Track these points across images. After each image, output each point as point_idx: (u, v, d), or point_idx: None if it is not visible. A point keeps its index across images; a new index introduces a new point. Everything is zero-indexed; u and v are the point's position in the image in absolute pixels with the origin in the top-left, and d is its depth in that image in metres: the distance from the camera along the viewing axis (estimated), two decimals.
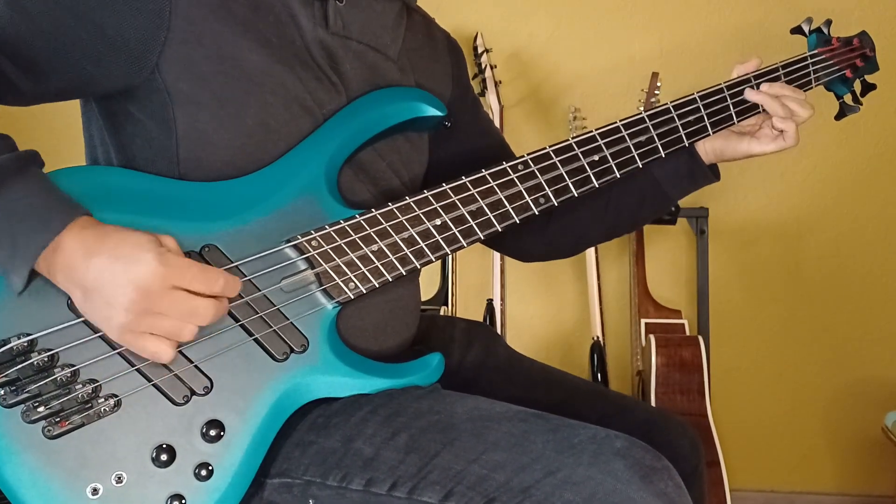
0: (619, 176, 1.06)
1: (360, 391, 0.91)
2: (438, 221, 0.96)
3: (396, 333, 1.01)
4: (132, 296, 0.75)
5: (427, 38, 1.13)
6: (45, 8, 0.82)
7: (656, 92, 2.03)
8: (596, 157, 1.05)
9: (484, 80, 2.11)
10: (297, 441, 0.89)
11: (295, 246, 0.90)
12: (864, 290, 2.19)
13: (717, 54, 2.16)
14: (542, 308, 2.30)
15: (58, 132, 1.99)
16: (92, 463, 0.79)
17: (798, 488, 2.25)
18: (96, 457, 0.80)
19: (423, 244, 0.95)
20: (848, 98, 1.26)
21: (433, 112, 1.01)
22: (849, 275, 2.19)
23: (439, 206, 0.97)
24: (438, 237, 0.96)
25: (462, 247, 0.98)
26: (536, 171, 1.02)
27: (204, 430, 0.83)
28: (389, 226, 0.94)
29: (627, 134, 1.07)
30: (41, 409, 0.78)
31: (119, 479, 0.80)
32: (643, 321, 2.09)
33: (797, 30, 1.26)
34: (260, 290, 0.87)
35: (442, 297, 2.12)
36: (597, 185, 1.05)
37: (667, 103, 1.10)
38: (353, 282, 0.92)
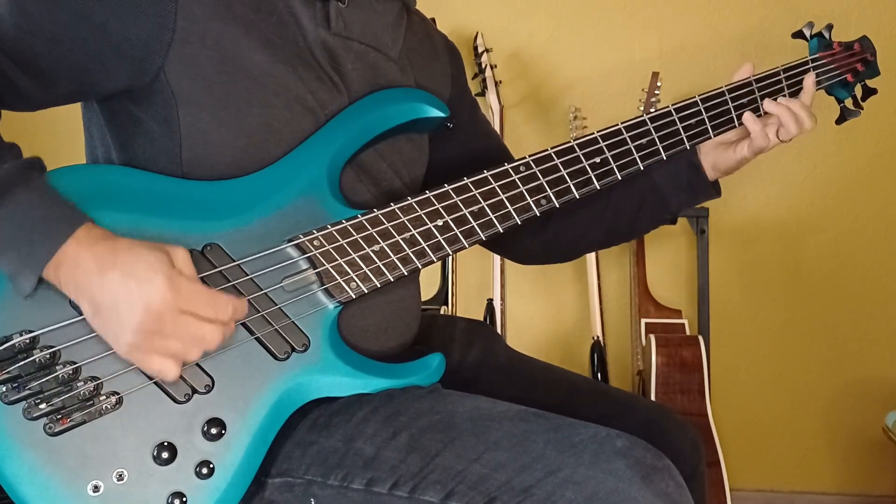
0: (620, 177, 1.06)
1: (361, 391, 0.91)
2: (440, 222, 0.97)
3: (397, 333, 1.01)
4: (141, 317, 0.76)
5: (426, 38, 1.14)
6: (48, 10, 0.82)
7: (656, 92, 2.03)
8: (597, 159, 1.05)
9: (484, 80, 2.11)
10: (298, 440, 0.89)
11: (297, 245, 0.90)
12: (864, 290, 2.19)
13: (717, 54, 2.16)
14: (542, 308, 2.30)
15: (58, 132, 1.99)
16: (93, 460, 0.79)
17: (798, 488, 2.25)
18: (97, 454, 0.80)
19: (424, 244, 0.96)
20: (849, 102, 1.26)
21: (435, 113, 1.02)
22: (849, 275, 2.19)
23: (441, 207, 0.97)
24: (440, 237, 0.96)
25: (463, 247, 0.98)
26: (538, 172, 1.02)
27: (205, 428, 0.83)
28: (391, 226, 0.94)
29: (629, 136, 1.07)
30: (43, 406, 0.79)
31: (120, 477, 0.80)
32: (643, 321, 2.09)
33: (798, 34, 1.26)
34: (262, 289, 0.88)
35: (442, 296, 2.13)
36: (598, 187, 1.05)
37: (668, 106, 1.10)
38: (355, 281, 0.92)
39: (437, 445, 0.84)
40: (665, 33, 2.18)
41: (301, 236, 0.90)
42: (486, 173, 1.00)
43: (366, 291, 0.93)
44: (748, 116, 1.11)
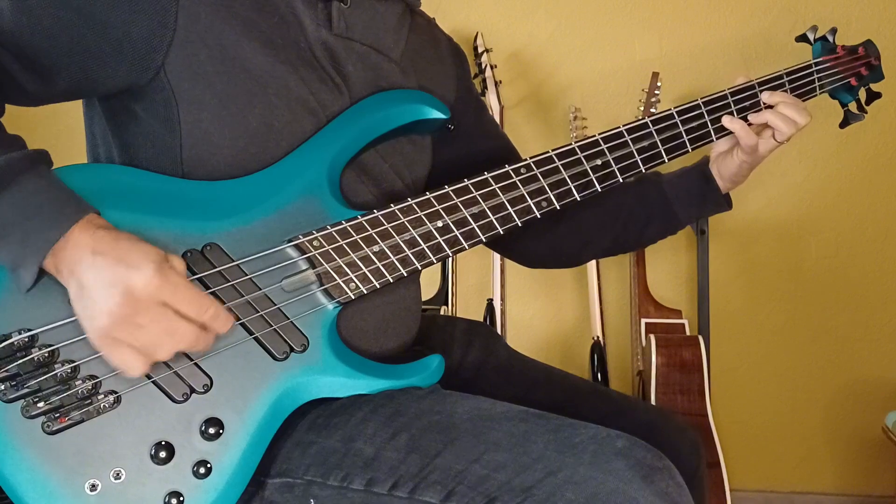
0: (621, 180, 1.06)
1: (360, 392, 0.91)
2: (440, 223, 0.96)
3: (397, 334, 1.01)
4: (118, 299, 0.75)
5: (430, 40, 1.13)
6: (49, 6, 0.82)
7: (656, 92, 2.03)
8: (599, 161, 1.05)
9: (484, 80, 2.11)
10: (298, 441, 0.89)
11: (296, 245, 0.90)
12: (864, 290, 2.19)
13: (717, 54, 2.16)
14: (542, 308, 2.29)
15: (58, 130, 1.99)
16: (91, 459, 0.80)
17: (798, 488, 2.25)
18: (95, 453, 0.80)
19: (424, 245, 0.95)
20: (853, 106, 1.25)
21: (436, 115, 1.01)
22: (849, 275, 2.19)
23: (441, 208, 0.97)
24: (440, 239, 0.96)
25: (463, 249, 0.98)
26: (539, 174, 1.02)
27: (203, 428, 0.83)
28: (391, 227, 0.94)
29: (631, 138, 1.07)
30: (41, 404, 0.79)
31: (117, 476, 0.80)
32: (643, 321, 2.09)
33: (802, 38, 1.25)
34: (261, 289, 0.87)
35: (442, 296, 2.12)
36: (599, 189, 1.05)
37: (670, 108, 1.10)
38: (354, 282, 0.92)
39: (437, 446, 0.84)
40: (665, 33, 2.18)
41: (301, 237, 0.90)
42: (486, 175, 1.00)
43: (365, 292, 0.93)
44: (726, 119, 1.11)
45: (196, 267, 0.85)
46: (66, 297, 0.80)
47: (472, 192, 0.98)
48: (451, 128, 1.10)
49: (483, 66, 2.11)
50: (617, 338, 2.24)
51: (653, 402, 1.92)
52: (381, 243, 0.93)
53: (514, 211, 1.00)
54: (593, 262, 2.16)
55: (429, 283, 2.12)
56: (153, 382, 0.82)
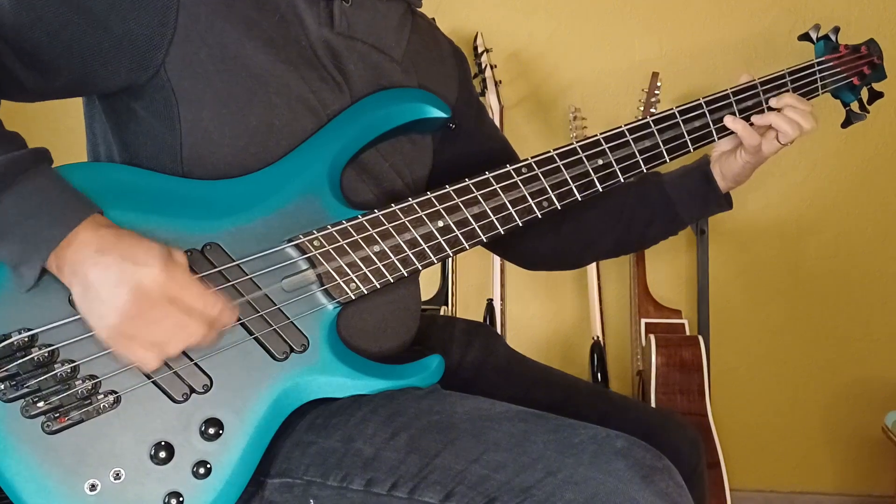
0: (623, 180, 1.06)
1: (360, 392, 0.91)
2: (441, 223, 0.96)
3: (396, 334, 1.01)
4: (128, 297, 0.76)
5: (432, 41, 1.13)
6: (49, 2, 0.82)
7: (656, 92, 2.03)
8: (600, 162, 1.05)
9: (484, 80, 2.11)
10: (298, 441, 0.89)
11: (297, 245, 0.90)
12: (864, 290, 2.19)
13: (717, 54, 2.16)
14: (542, 308, 2.29)
15: (57, 129, 1.99)
16: (90, 459, 0.80)
17: (798, 488, 2.25)
18: (95, 453, 0.80)
19: (424, 246, 0.95)
20: (855, 106, 1.25)
21: (437, 114, 1.01)
22: (849, 275, 2.19)
23: (442, 208, 0.96)
24: (440, 239, 0.96)
25: (464, 249, 0.98)
26: (540, 174, 1.02)
27: (202, 428, 0.83)
28: (392, 227, 0.94)
29: (632, 139, 1.06)
30: (41, 404, 0.79)
31: (117, 476, 0.80)
32: (643, 321, 2.09)
33: (805, 37, 1.25)
34: (261, 289, 0.87)
35: (442, 296, 2.12)
36: (601, 189, 1.05)
37: (672, 108, 1.09)
38: (355, 282, 0.92)
39: (437, 446, 0.84)
40: (665, 33, 2.18)
41: (301, 236, 0.90)
42: (487, 175, 0.99)
43: (365, 292, 0.92)
44: (728, 119, 1.10)
45: (196, 266, 0.85)
46: (67, 296, 0.80)
47: (474, 192, 0.98)
48: (452, 127, 1.10)
49: (483, 66, 2.11)
50: (617, 338, 2.24)
51: (653, 402, 1.92)
52: (382, 243, 0.93)
53: (516, 211, 1.00)
54: (593, 262, 2.16)
55: (429, 283, 2.12)
56: (153, 382, 0.82)
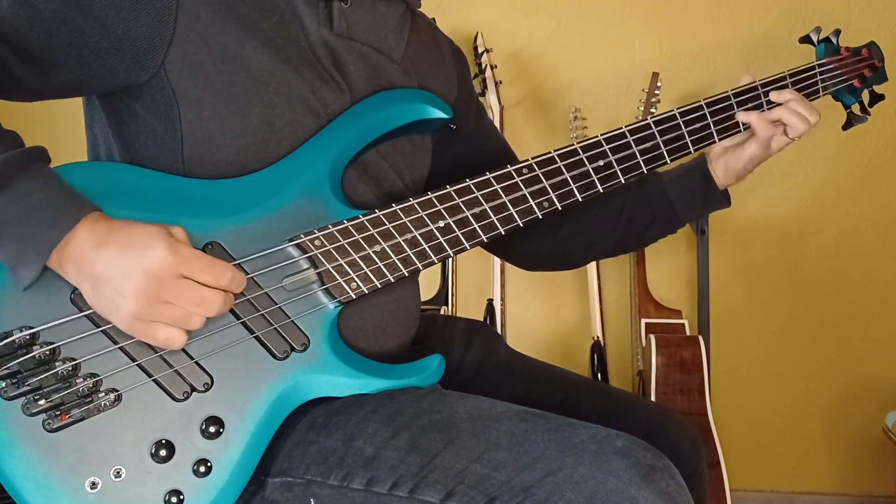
0: (623, 181, 1.06)
1: (360, 391, 0.91)
2: (441, 223, 0.96)
3: (397, 334, 1.01)
4: (141, 282, 0.76)
5: (431, 41, 1.13)
6: (49, 1, 0.82)
7: (657, 92, 2.03)
8: (601, 163, 1.05)
9: (484, 80, 2.11)
10: (298, 440, 0.89)
11: (298, 245, 0.90)
12: (864, 290, 2.19)
13: (717, 55, 2.16)
14: (542, 308, 2.29)
15: (57, 129, 1.99)
16: (91, 457, 0.80)
17: (798, 488, 2.25)
18: (95, 451, 0.80)
19: (425, 245, 0.95)
20: (856, 108, 1.25)
21: (438, 114, 1.01)
22: (849, 275, 2.19)
23: (443, 209, 0.97)
24: (441, 239, 0.96)
25: (465, 249, 0.98)
26: (541, 174, 1.02)
27: (203, 426, 0.83)
28: (392, 227, 0.94)
29: (633, 140, 1.07)
30: (41, 402, 0.79)
31: (118, 474, 0.80)
32: (643, 321, 2.09)
33: (806, 39, 1.25)
34: (262, 289, 0.88)
35: (442, 296, 2.12)
36: (601, 190, 1.05)
37: (672, 110, 1.09)
38: (356, 281, 0.92)
39: (438, 445, 0.84)
40: (665, 33, 2.18)
41: (302, 236, 0.90)
42: (488, 175, 1.00)
43: (366, 292, 0.93)
44: (741, 114, 1.11)
45: None
46: (68, 294, 0.80)
47: (474, 192, 0.98)
48: (452, 127, 1.10)
49: (483, 66, 2.11)
50: (617, 338, 2.24)
51: None
52: (383, 243, 0.93)
53: (516, 211, 1.00)
54: (593, 262, 2.16)
55: (429, 283, 2.12)
56: (154, 381, 0.82)
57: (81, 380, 0.80)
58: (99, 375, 0.81)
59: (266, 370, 0.87)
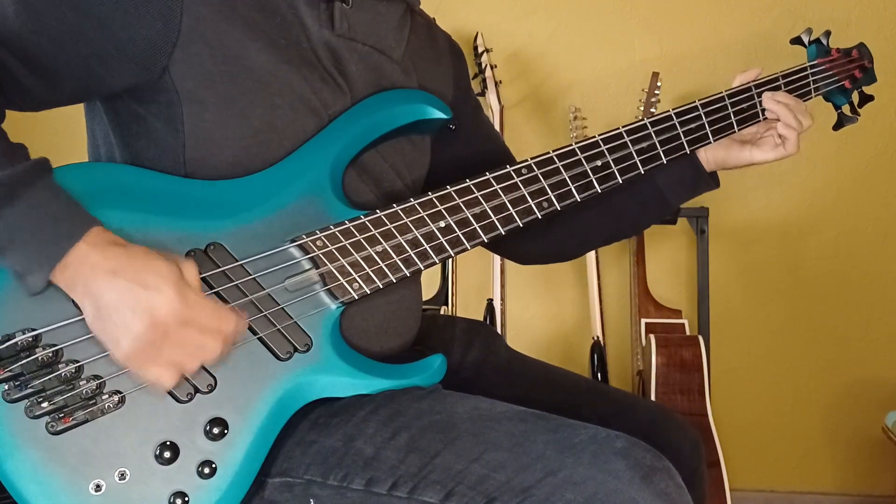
0: (621, 181, 1.07)
1: (362, 391, 0.92)
2: (442, 224, 0.97)
3: (398, 334, 1.02)
4: (146, 325, 0.76)
5: (430, 39, 1.14)
6: (52, 8, 0.82)
7: (656, 92, 2.03)
8: (599, 163, 1.05)
9: (484, 80, 2.11)
10: (298, 440, 0.89)
11: (300, 245, 0.90)
12: (864, 290, 2.19)
13: (717, 55, 2.17)
14: (542, 308, 2.30)
15: (58, 130, 1.99)
16: (95, 459, 0.80)
17: (798, 488, 2.25)
18: (99, 453, 0.80)
19: (426, 246, 0.96)
20: (846, 109, 1.27)
21: (438, 115, 1.02)
22: (849, 275, 2.19)
23: (443, 209, 0.97)
24: (442, 239, 0.97)
25: (465, 249, 0.98)
26: (540, 175, 1.02)
27: (207, 427, 0.83)
28: (394, 227, 0.94)
29: (630, 140, 1.07)
30: (45, 404, 0.79)
31: (122, 476, 0.80)
32: (643, 321, 2.09)
33: (797, 40, 1.27)
34: (264, 289, 0.88)
35: (442, 296, 2.13)
36: (599, 191, 1.06)
37: (669, 110, 1.11)
38: (358, 282, 0.92)
39: (437, 446, 0.84)
40: (665, 33, 2.18)
41: (304, 236, 0.90)
42: (488, 175, 1.00)
43: (368, 292, 0.93)
44: (767, 99, 1.13)
45: (200, 267, 0.85)
46: (71, 297, 0.80)
47: (474, 193, 0.99)
48: (452, 128, 1.10)
49: (483, 66, 2.11)
50: (617, 338, 2.24)
51: None
52: (384, 243, 0.94)
53: (516, 211, 1.00)
54: (593, 262, 2.16)
55: (429, 284, 2.13)
56: None
57: (84, 382, 0.80)
58: (102, 377, 0.80)
59: (269, 371, 0.87)
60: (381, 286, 0.93)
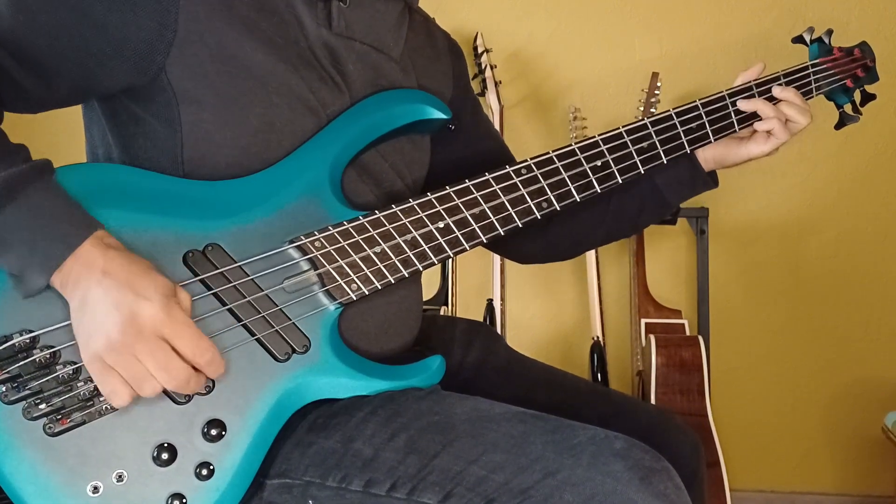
0: (621, 181, 1.07)
1: (361, 393, 0.91)
2: (441, 224, 0.97)
3: (398, 335, 1.01)
4: (119, 325, 0.75)
5: (428, 38, 1.13)
6: (48, 8, 0.82)
7: (656, 92, 2.03)
8: (598, 163, 1.05)
9: (484, 80, 2.11)
10: (297, 442, 0.89)
11: (298, 246, 0.90)
12: (864, 290, 2.19)
13: (717, 55, 2.16)
14: (542, 308, 2.30)
15: (57, 131, 1.99)
16: (93, 461, 0.80)
17: (798, 488, 2.25)
18: (97, 455, 0.80)
19: (425, 246, 0.96)
20: (848, 108, 1.26)
21: (437, 115, 1.02)
22: (849, 275, 2.19)
23: (442, 209, 0.97)
24: (441, 239, 0.96)
25: (464, 249, 0.98)
26: (539, 175, 1.02)
27: (205, 429, 0.83)
28: (392, 228, 0.94)
29: (630, 140, 1.07)
30: (42, 406, 0.79)
31: (120, 478, 0.80)
32: (643, 321, 2.09)
33: (798, 39, 1.26)
34: (262, 290, 0.88)
35: (442, 297, 2.12)
36: (599, 190, 1.05)
37: (669, 110, 1.10)
38: (356, 283, 0.92)
39: (436, 447, 0.84)
40: (665, 33, 2.18)
41: (302, 237, 0.90)
42: (487, 176, 1.00)
43: (367, 293, 0.93)
44: (742, 101, 1.12)
45: (198, 268, 0.85)
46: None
47: (474, 193, 0.99)
48: (452, 127, 1.10)
49: (483, 66, 2.11)
50: (617, 338, 2.24)
51: (653, 402, 1.92)
52: (383, 244, 0.94)
53: (515, 212, 1.00)
54: (593, 262, 2.16)
55: (429, 284, 2.12)
56: None
57: (82, 383, 0.80)
58: None
59: (267, 372, 0.87)
60: (380, 287, 0.93)
